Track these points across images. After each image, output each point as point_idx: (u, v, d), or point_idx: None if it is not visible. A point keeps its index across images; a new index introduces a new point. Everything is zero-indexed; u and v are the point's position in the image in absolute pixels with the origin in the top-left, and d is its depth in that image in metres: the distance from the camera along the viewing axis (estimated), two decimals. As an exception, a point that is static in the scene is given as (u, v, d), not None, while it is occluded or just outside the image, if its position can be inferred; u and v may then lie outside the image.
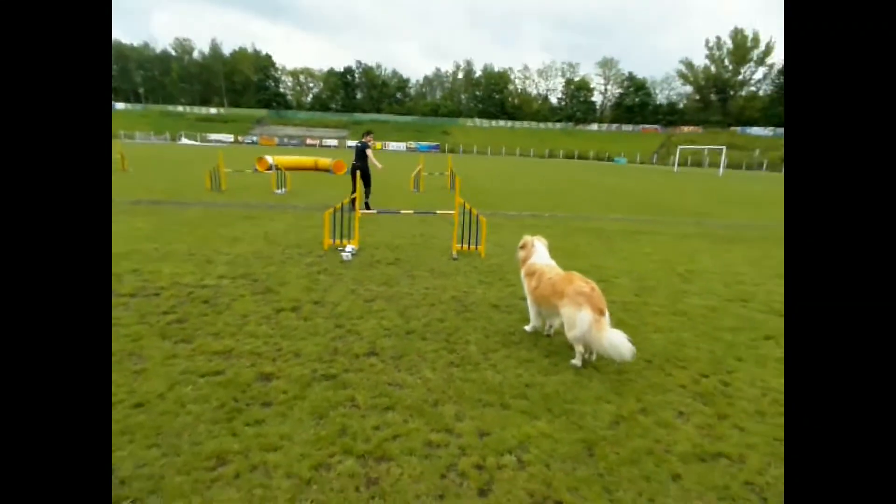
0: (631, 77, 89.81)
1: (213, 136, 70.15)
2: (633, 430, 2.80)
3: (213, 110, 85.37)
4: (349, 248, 6.64)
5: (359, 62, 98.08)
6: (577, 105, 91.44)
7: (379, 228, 8.64)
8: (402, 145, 71.52)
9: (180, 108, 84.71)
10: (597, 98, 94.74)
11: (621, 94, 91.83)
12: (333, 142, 71.99)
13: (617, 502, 2.22)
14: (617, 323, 4.33)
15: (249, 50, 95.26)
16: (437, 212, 7.55)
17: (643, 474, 2.41)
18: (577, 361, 3.59)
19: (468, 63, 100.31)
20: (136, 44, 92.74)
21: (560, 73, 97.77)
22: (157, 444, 2.47)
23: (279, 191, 13.72)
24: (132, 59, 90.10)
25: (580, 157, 69.73)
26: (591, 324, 3.43)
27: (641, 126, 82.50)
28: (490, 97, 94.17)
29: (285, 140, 70.23)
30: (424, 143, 72.56)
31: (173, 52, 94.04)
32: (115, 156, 19.44)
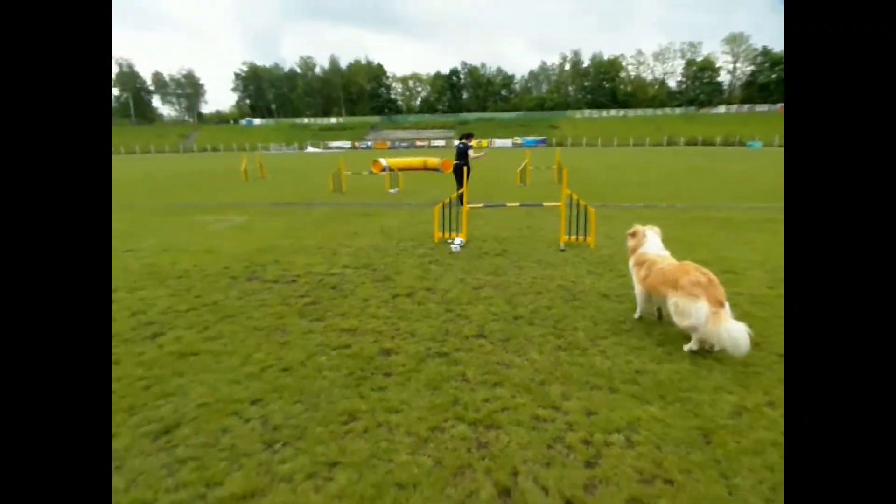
0: (765, 51, 79.76)
1: (334, 144, 76.27)
2: (758, 421, 2.63)
3: (332, 119, 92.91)
4: (458, 240, 6.93)
5: (464, 63, 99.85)
6: (699, 87, 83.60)
7: (487, 223, 8.86)
8: (507, 142, 71.34)
9: (306, 120, 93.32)
10: (724, 78, 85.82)
11: (754, 72, 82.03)
12: (441, 142, 74.23)
13: (734, 488, 2.14)
14: (744, 316, 4.03)
15: (363, 61, 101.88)
16: (544, 203, 7.54)
17: (766, 464, 2.28)
18: (693, 345, 3.44)
19: (575, 53, 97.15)
20: (267, 65, 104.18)
21: (679, 55, 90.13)
22: (301, 402, 2.90)
23: (393, 190, 14.62)
24: (265, 79, 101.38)
25: (705, 144, 63.61)
26: (707, 316, 3.26)
27: (779, 105, 72.86)
28: (600, 87, 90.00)
29: (396, 143, 74.03)
30: (530, 138, 71.59)
31: (298, 70, 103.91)
32: (255, 165, 22.18)
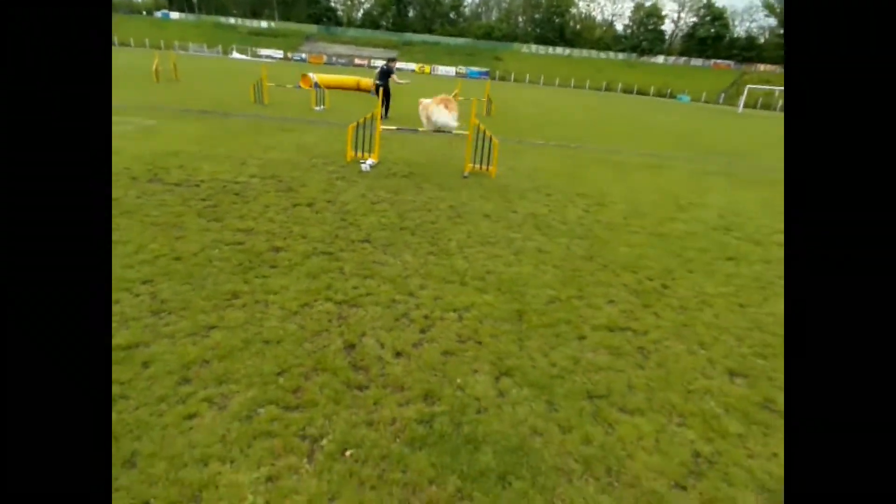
0: (709, 5, 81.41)
1: (264, 52, 70.19)
2: (563, 307, 3.42)
3: (263, 23, 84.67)
4: (369, 161, 7.25)
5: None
6: (643, 34, 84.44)
7: (403, 146, 9.17)
8: (451, 70, 69.29)
9: (232, 20, 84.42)
10: (667, 27, 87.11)
11: (695, 24, 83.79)
12: (381, 62, 70.81)
13: (525, 348, 2.88)
14: (592, 237, 4.86)
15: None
16: (454, 132, 7.96)
17: (554, 333, 3.05)
18: (429, 128, 7.54)
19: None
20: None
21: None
22: (189, 283, 3.30)
23: (318, 108, 14.29)
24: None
25: (640, 93, 65.63)
26: (434, 111, 7.60)
27: (713, 61, 75.82)
28: (549, 20, 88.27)
29: (334, 59, 69.51)
30: (475, 69, 69.94)
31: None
32: (168, 66, 20.37)
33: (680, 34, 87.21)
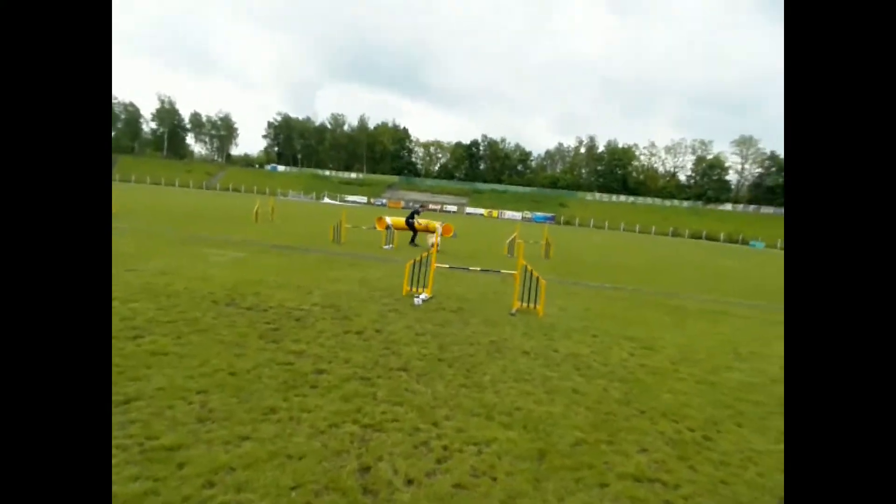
0: (773, 156, 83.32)
1: (350, 197, 79.24)
2: (589, 451, 3.31)
3: (353, 175, 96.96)
4: (423, 295, 7.75)
5: (484, 136, 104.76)
6: (708, 183, 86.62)
7: (458, 283, 9.69)
8: (517, 214, 73.63)
9: (328, 172, 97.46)
10: (732, 177, 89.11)
11: (761, 174, 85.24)
12: (453, 207, 76.83)
13: (540, 490, 2.81)
14: (633, 381, 4.78)
15: (390, 124, 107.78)
16: (501, 271, 8.39)
17: (575, 477, 2.95)
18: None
19: (591, 139, 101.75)
20: (300, 117, 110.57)
21: (690, 151, 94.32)
22: (237, 396, 3.63)
23: (387, 246, 15.64)
24: (295, 129, 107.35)
25: (709, 238, 65.09)
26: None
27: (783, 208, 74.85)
28: (611, 172, 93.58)
29: (410, 203, 76.69)
30: (540, 214, 73.93)
31: (328, 125, 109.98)
32: (267, 208, 23.57)
33: (746, 183, 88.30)
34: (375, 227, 22.53)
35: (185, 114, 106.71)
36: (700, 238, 64.99)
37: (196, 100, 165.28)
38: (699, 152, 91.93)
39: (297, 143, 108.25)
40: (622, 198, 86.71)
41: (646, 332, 7.03)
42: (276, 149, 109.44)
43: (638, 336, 6.76)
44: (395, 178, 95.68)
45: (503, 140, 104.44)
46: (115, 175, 77.84)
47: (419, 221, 18.13)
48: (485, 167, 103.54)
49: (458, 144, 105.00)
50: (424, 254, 8.36)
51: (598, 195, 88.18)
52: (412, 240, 18.01)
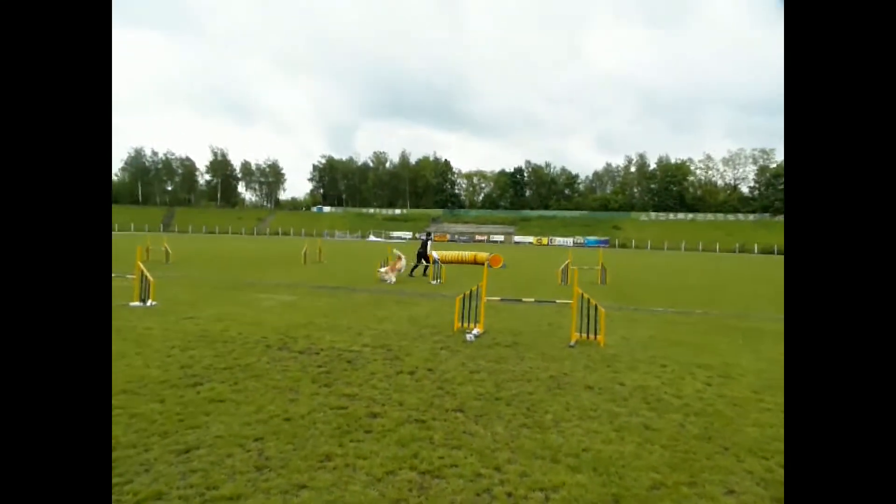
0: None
1: (395, 234, 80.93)
2: (669, 494, 3.08)
3: (397, 210, 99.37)
4: (475, 331, 7.68)
5: (528, 162, 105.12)
6: (774, 194, 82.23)
7: (511, 316, 9.55)
8: (568, 240, 72.42)
9: (372, 210, 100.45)
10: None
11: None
12: (500, 237, 76.75)
13: (617, 540, 2.63)
14: (711, 414, 4.47)
15: (431, 157, 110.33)
16: (556, 301, 8.19)
17: (654, 527, 2.74)
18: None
19: (641, 156, 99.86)
20: (343, 158, 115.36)
21: (751, 161, 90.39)
22: (292, 443, 3.67)
23: (434, 282, 15.72)
24: (339, 170, 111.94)
25: (781, 253, 61.24)
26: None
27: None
28: (666, 189, 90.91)
29: (456, 236, 77.36)
30: (592, 238, 72.41)
31: (371, 163, 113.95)
32: (316, 250, 24.41)
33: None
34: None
35: (236, 163, 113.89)
36: (772, 252, 61.28)
37: (243, 148, 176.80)
38: (760, 162, 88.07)
39: (340, 183, 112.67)
40: (680, 215, 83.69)
41: (720, 359, 6.60)
42: (321, 190, 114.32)
43: (712, 363, 6.35)
44: (439, 212, 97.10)
45: (548, 165, 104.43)
46: (174, 226, 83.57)
47: (429, 250, 17.32)
48: (530, 193, 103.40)
49: (502, 173, 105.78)
50: (473, 287, 8.32)
51: (653, 215, 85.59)
52: (423, 270, 17.38)
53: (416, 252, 17.69)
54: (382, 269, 15.70)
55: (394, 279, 15.24)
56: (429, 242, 17.39)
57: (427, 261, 17.31)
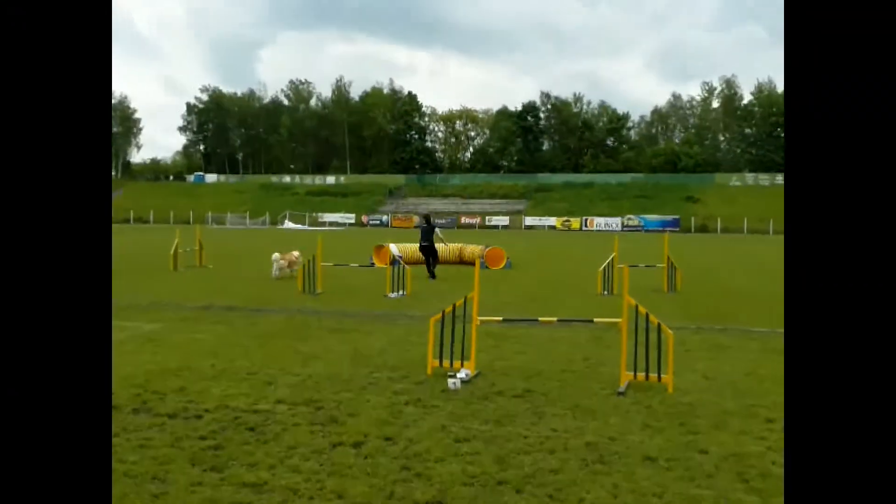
0: None
1: (328, 217, 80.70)
2: None
3: (330, 179, 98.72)
4: (462, 372, 7.69)
5: (546, 96, 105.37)
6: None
7: (519, 346, 9.62)
8: (613, 221, 72.98)
9: (287, 178, 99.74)
10: None
11: None
12: (503, 220, 76.89)
13: None
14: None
15: (385, 89, 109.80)
16: (594, 320, 8.28)
17: None
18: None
19: (728, 84, 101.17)
20: (239, 92, 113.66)
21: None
22: (158, 569, 3.63)
23: (393, 294, 15.73)
24: (232, 113, 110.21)
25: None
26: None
27: None
28: (770, 135, 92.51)
29: (430, 219, 77.39)
30: (653, 217, 73.12)
31: (285, 101, 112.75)
32: (194, 246, 24.19)
33: None
34: (373, 264, 22.82)
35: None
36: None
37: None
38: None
39: (234, 134, 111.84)
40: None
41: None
42: (200, 147, 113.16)
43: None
44: (400, 179, 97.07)
45: (578, 99, 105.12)
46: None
47: (440, 236, 20.24)
48: (550, 147, 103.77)
49: (504, 113, 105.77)
50: (458, 302, 8.34)
51: (749, 177, 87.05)
52: (431, 272, 19.63)
53: (420, 246, 19.92)
54: (276, 255, 18.04)
55: (278, 273, 18.14)
56: (436, 229, 20.24)
57: (434, 256, 19.61)
